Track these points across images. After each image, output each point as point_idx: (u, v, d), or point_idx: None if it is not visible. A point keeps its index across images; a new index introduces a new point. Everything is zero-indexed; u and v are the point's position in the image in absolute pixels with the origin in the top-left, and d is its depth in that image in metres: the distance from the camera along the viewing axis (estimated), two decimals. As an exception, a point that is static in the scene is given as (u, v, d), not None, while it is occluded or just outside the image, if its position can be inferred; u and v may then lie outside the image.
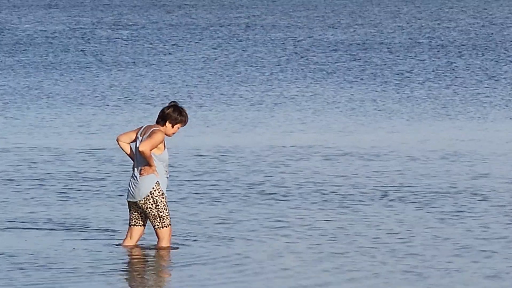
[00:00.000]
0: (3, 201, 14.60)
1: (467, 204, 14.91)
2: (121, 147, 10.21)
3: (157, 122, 9.79)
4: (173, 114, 9.65)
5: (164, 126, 9.75)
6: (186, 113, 9.93)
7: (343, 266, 8.74)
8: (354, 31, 63.66)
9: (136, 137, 9.90)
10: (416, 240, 10.83)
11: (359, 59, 47.38)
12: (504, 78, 39.94)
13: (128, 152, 10.13)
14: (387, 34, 60.81)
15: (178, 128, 9.91)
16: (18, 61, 48.00)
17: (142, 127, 10.11)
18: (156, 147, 9.68)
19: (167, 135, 9.85)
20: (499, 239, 10.80)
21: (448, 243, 10.61)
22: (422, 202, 14.56)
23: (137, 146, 9.83)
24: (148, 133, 9.77)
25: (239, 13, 79.42)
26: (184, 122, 9.92)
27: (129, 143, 10.05)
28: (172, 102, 10.01)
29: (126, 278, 8.27)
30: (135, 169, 9.96)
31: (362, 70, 42.83)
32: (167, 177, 10.15)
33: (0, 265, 8.54)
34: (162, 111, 9.93)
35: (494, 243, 10.40)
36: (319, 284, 7.79)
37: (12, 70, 43.97)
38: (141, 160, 9.82)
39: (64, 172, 18.48)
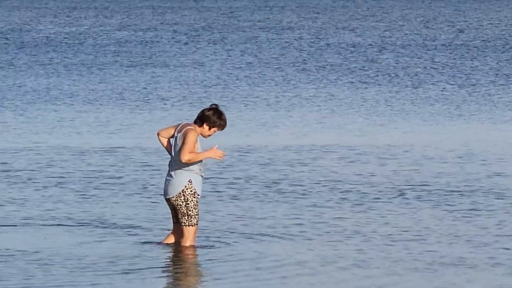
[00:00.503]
0: (23, 199, 14.82)
1: (482, 202, 14.89)
2: (160, 141, 10.27)
3: (195, 122, 9.76)
4: (212, 117, 9.62)
5: (201, 127, 9.75)
6: (225, 118, 9.88)
7: (359, 264, 8.74)
8: (369, 32, 63.99)
9: (174, 133, 9.95)
10: (432, 237, 10.83)
11: (374, 61, 47.66)
12: (518, 78, 40.02)
13: (165, 145, 10.20)
14: (400, 36, 61.16)
15: (215, 131, 9.93)
16: (38, 61, 48.56)
17: (180, 124, 10.15)
18: (193, 147, 9.70)
19: (202, 136, 9.86)
20: (514, 237, 10.63)
21: (463, 240, 10.60)
22: (438, 200, 14.59)
23: (174, 149, 9.95)
24: (182, 132, 9.78)
25: (255, 15, 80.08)
26: (222, 126, 9.92)
27: (167, 138, 10.06)
28: (213, 104, 10.02)
29: (145, 276, 8.23)
30: (170, 166, 10.02)
31: (377, 71, 43.09)
32: (202, 176, 10.12)
33: (20, 261, 8.69)
34: (202, 112, 9.92)
35: (510, 241, 10.32)
36: (335, 281, 7.88)
37: (32, 70, 44.55)
38: (176, 159, 9.87)
39: (83, 171, 18.81)
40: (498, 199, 15.32)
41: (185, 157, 9.44)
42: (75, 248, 9.71)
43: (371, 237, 10.56)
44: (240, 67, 46.50)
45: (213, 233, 11.14)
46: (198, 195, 10.00)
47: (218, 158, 10.16)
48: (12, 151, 21.30)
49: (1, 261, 8.62)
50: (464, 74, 41.04)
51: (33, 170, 18.56)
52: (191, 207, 9.72)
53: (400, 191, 15.24)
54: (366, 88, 36.49)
